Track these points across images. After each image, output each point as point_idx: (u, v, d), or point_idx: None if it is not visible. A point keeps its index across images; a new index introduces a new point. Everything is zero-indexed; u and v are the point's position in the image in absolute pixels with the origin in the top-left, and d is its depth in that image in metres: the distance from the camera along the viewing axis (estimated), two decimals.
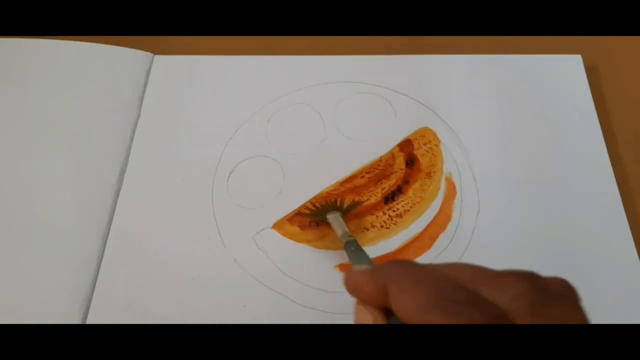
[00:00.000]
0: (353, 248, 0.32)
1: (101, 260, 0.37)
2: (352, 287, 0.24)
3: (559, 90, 0.44)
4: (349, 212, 0.38)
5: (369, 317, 0.23)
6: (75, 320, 0.35)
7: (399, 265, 0.23)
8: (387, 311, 0.23)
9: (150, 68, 0.46)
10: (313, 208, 0.39)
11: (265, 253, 0.38)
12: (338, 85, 0.45)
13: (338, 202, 0.38)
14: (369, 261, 0.30)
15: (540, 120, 0.43)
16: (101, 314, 0.35)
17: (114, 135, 0.43)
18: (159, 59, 0.46)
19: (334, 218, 0.37)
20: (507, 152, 0.41)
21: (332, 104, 0.44)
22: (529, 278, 0.21)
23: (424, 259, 0.37)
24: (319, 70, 0.46)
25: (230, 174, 0.41)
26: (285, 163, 0.41)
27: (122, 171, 0.41)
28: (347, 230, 0.35)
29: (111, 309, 0.36)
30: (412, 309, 0.20)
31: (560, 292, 0.21)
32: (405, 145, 0.42)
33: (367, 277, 0.23)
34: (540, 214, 0.39)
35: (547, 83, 0.44)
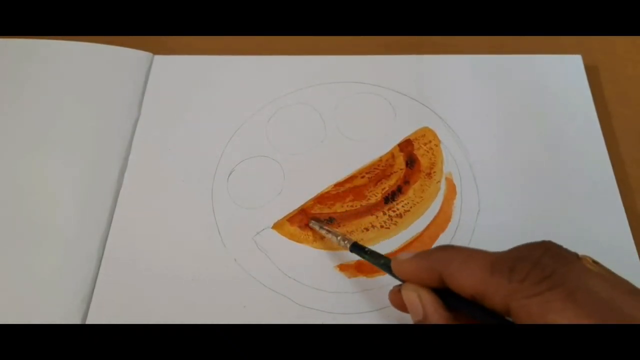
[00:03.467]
0: (367, 249, 0.33)
1: (101, 260, 0.37)
2: (404, 272, 0.28)
3: (559, 90, 0.44)
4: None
5: (414, 295, 0.27)
6: (75, 320, 0.35)
7: (446, 248, 0.27)
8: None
9: (150, 68, 0.46)
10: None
11: (265, 253, 0.38)
12: (338, 85, 0.45)
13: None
14: (383, 256, 0.32)
15: (541, 120, 0.43)
16: (101, 314, 0.35)
17: (114, 135, 0.43)
18: (159, 59, 0.46)
19: (325, 232, 0.37)
20: (507, 152, 0.41)
21: (332, 104, 0.44)
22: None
23: None
24: (318, 70, 0.46)
25: (230, 174, 0.41)
26: (285, 163, 0.41)
27: (122, 171, 0.41)
28: (342, 235, 0.36)
29: (111, 309, 0.36)
30: (475, 276, 0.24)
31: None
32: (405, 145, 0.42)
33: (420, 262, 0.27)
34: (540, 214, 0.39)
35: (547, 83, 0.44)
